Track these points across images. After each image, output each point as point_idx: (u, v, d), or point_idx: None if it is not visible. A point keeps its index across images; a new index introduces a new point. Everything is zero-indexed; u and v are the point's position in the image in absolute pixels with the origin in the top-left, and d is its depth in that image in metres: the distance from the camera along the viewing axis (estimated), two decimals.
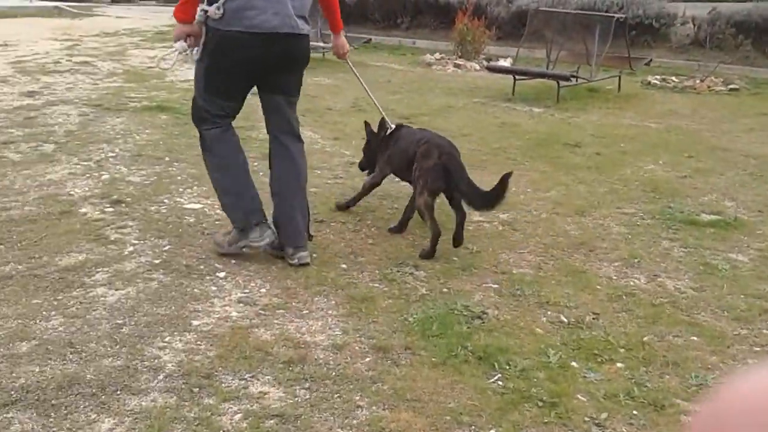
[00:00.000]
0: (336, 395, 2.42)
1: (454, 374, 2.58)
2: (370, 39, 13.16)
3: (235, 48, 3.19)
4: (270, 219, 3.53)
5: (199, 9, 3.17)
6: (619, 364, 2.72)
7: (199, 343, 2.70)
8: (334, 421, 2.29)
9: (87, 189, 4.44)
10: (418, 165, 3.73)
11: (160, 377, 2.48)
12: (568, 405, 2.43)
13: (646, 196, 4.80)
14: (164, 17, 14.83)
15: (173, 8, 3.32)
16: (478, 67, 11.27)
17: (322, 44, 11.43)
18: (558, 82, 8.25)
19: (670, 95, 9.22)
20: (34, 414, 2.25)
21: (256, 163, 5.15)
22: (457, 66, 11.30)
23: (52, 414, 2.25)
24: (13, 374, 2.45)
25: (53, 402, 2.31)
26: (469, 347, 2.74)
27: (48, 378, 2.43)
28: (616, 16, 8.81)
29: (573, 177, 5.20)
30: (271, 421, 2.27)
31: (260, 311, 2.98)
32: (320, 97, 7.90)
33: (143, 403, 2.33)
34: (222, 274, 3.33)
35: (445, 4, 14.20)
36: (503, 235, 4.01)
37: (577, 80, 8.39)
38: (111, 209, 4.11)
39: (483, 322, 2.97)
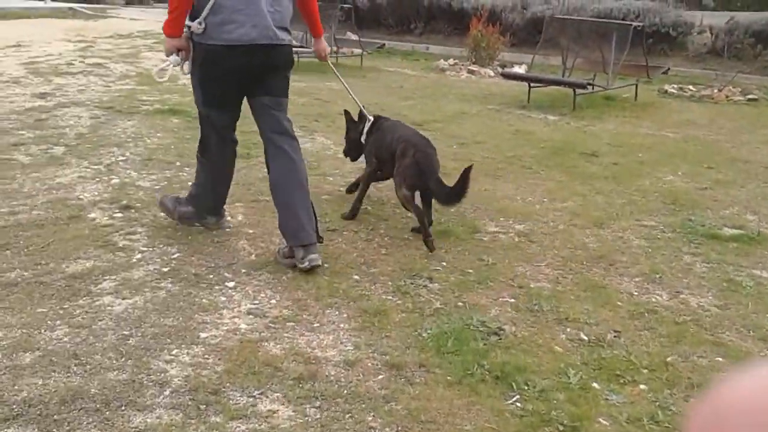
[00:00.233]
0: (348, 415, 2.33)
1: (470, 394, 2.48)
2: (384, 44, 13.10)
3: (220, 60, 3.34)
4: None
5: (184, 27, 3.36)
6: (642, 386, 2.61)
7: (206, 356, 2.62)
8: None
9: (96, 193, 4.37)
10: (398, 163, 3.95)
11: (166, 392, 2.39)
12: (590, 429, 2.33)
13: (666, 208, 4.69)
14: None
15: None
16: (492, 74, 11.18)
17: (335, 49, 11.39)
18: (574, 90, 8.14)
19: (688, 104, 9.10)
20: (36, 430, 2.17)
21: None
22: (471, 72, 11.22)
23: (54, 430, 2.17)
24: (16, 387, 2.37)
25: (56, 417, 2.23)
26: (486, 365, 2.64)
27: (51, 391, 2.36)
28: (634, 24, 8.69)
29: (590, 187, 5.09)
30: None
31: (270, 324, 2.89)
32: (332, 102, 7.82)
33: (148, 420, 2.24)
34: (231, 284, 3.24)
35: (458, 10, 14.13)
36: (519, 247, 3.91)
37: (593, 88, 8.27)
38: (120, 215, 4.04)
39: (500, 339, 2.87)
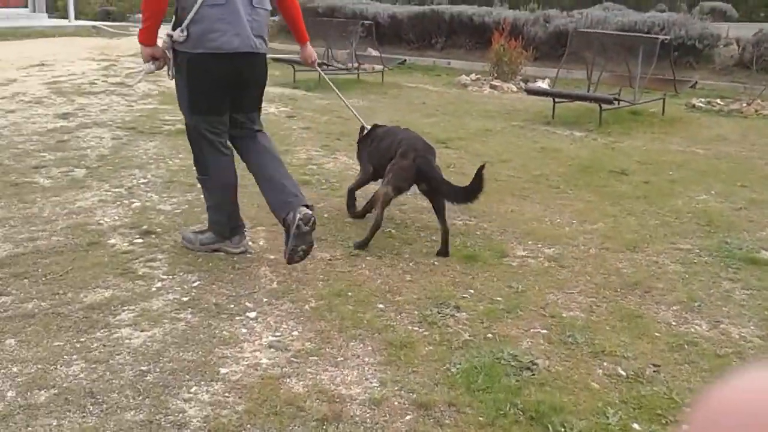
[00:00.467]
0: None
1: None
2: (405, 60, 13.03)
3: (204, 67, 3.44)
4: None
5: (165, 34, 3.45)
6: (685, 426, 2.44)
7: (226, 394, 2.51)
8: None
9: (117, 218, 4.31)
10: (394, 161, 3.96)
11: None
12: None
13: (701, 230, 4.52)
14: None
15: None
16: (515, 89, 11.05)
17: (356, 65, 11.35)
18: (600, 105, 7.98)
19: (717, 119, 8.89)
20: None
21: None
22: (493, 87, 11.10)
23: None
24: (29, 428, 2.28)
25: None
26: (519, 405, 2.51)
27: None
28: (661, 37, 8.52)
29: (621, 207, 4.94)
30: None
31: (292, 358, 2.78)
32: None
33: None
34: (252, 314, 3.14)
35: (480, 24, 14.04)
36: (550, 273, 3.77)
37: (619, 103, 8.11)
38: (140, 240, 3.96)
39: (533, 374, 2.74)
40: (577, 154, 6.59)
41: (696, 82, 10.06)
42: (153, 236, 4.03)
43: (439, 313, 3.23)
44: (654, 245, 4.21)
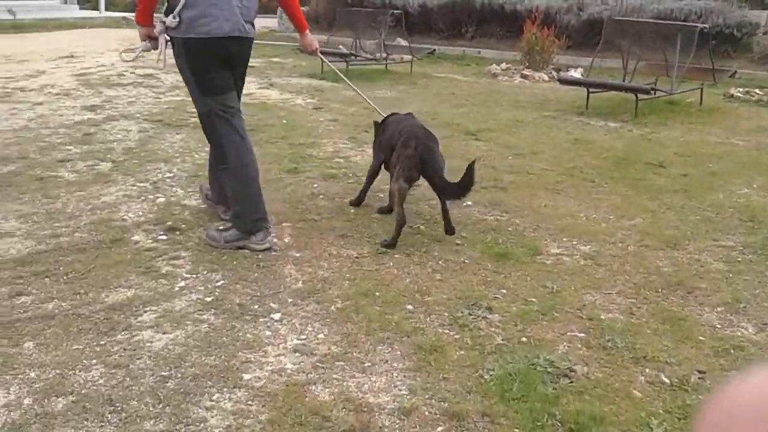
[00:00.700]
0: None
1: None
2: (435, 49, 12.83)
3: (199, 49, 3.53)
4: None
5: (158, 21, 3.60)
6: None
7: (249, 402, 2.41)
8: None
9: (141, 213, 4.23)
10: (398, 152, 3.92)
11: None
12: None
13: (744, 226, 4.32)
14: None
15: None
16: (546, 78, 10.81)
17: (385, 55, 11.20)
18: (636, 95, 7.74)
19: (756, 109, 8.59)
20: None
21: (315, 185, 4.91)
22: (524, 77, 10.87)
23: None
24: None
25: None
26: (557, 415, 2.37)
27: None
28: (699, 26, 8.23)
29: (659, 202, 4.75)
30: None
31: (318, 363, 2.67)
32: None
33: None
34: (277, 316, 3.03)
35: (511, 12, 13.77)
36: (586, 272, 3.61)
37: (656, 93, 7.86)
38: (164, 237, 3.88)
39: (571, 382, 2.59)
40: (612, 146, 6.38)
41: (735, 72, 9.73)
42: (177, 233, 3.94)
43: (471, 315, 3.09)
44: (695, 242, 4.02)
